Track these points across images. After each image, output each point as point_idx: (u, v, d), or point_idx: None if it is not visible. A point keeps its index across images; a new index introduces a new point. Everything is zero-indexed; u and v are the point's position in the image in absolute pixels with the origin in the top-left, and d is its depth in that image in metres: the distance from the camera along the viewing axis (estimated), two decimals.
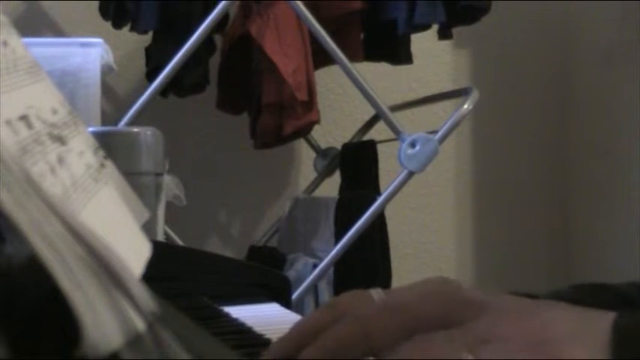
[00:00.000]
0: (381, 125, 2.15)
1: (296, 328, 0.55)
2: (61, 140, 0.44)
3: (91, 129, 0.64)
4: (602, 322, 0.50)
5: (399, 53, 2.29)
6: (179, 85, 2.13)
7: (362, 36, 2.27)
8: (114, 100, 2.49)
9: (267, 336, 0.68)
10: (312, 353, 0.52)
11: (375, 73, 2.39)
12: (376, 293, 0.56)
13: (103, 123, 2.02)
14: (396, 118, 2.00)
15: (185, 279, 0.88)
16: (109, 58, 1.94)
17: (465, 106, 1.99)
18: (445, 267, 2.72)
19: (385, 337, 0.51)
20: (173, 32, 2.05)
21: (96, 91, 1.88)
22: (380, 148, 2.23)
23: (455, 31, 2.26)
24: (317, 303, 2.06)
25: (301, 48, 2.10)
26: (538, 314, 0.51)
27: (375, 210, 1.95)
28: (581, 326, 0.50)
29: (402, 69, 2.43)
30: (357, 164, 2.25)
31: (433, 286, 0.55)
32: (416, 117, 2.51)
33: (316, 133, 2.45)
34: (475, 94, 2.02)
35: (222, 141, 2.57)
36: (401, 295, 0.55)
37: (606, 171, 2.61)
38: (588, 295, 0.59)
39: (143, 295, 0.35)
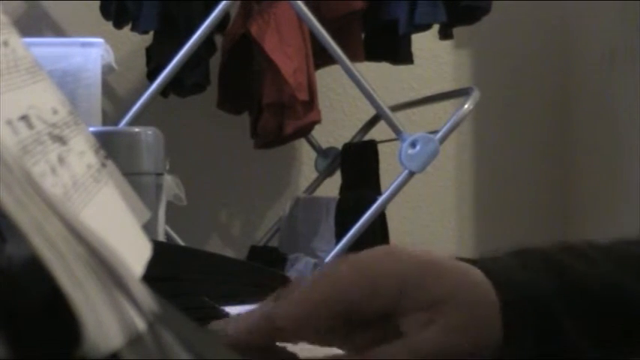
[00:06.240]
0: (381, 125, 2.15)
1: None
2: (61, 140, 0.44)
3: (91, 129, 0.64)
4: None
5: (399, 53, 2.29)
6: (180, 85, 2.13)
7: (363, 36, 2.27)
8: (114, 100, 2.49)
9: None
10: None
11: (376, 73, 2.38)
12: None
13: (104, 123, 2.02)
14: (397, 118, 2.00)
15: (186, 279, 0.88)
16: (110, 58, 1.94)
17: (466, 106, 1.99)
18: None
19: None
20: (174, 32, 2.05)
21: (96, 91, 1.88)
22: (380, 148, 2.22)
23: (456, 31, 2.26)
24: None
25: (302, 48, 2.10)
26: None
27: (376, 210, 1.95)
28: None
29: (403, 69, 2.43)
30: (358, 164, 2.25)
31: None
32: (416, 117, 2.51)
33: (317, 132, 2.45)
34: (476, 94, 2.02)
35: (223, 141, 2.57)
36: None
37: (606, 171, 2.61)
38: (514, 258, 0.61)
39: (144, 294, 0.35)
